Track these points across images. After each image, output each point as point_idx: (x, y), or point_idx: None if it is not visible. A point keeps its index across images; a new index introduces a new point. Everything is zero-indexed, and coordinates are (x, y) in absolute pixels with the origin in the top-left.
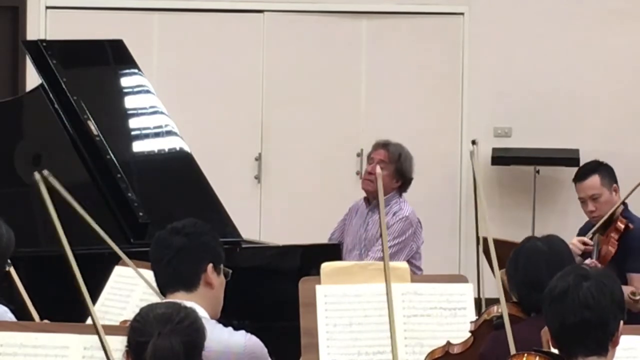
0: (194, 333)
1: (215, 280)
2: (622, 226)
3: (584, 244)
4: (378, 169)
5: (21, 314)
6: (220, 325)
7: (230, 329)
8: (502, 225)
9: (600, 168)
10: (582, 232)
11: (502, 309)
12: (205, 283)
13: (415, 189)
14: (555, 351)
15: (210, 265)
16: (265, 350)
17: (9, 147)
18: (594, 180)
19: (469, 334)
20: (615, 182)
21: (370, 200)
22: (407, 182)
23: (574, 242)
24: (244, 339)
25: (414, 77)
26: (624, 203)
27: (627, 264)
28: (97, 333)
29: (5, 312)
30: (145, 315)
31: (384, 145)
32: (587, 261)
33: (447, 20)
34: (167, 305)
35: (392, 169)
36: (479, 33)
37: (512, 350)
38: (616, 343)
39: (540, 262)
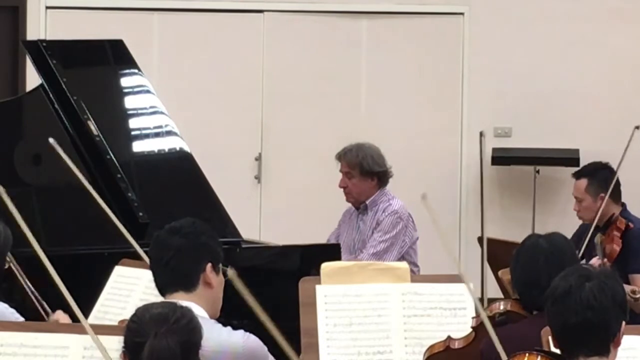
0: (190, 332)
1: (215, 279)
2: (623, 225)
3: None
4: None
5: (19, 313)
6: (219, 325)
7: (229, 328)
8: (502, 225)
9: (595, 173)
10: (578, 234)
11: (482, 315)
12: (205, 283)
13: (416, 188)
14: (557, 351)
15: (209, 265)
16: (265, 349)
17: (9, 147)
18: (581, 183)
19: (471, 330)
20: (605, 191)
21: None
22: (381, 175)
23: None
24: (242, 339)
25: (414, 77)
26: (622, 204)
27: (629, 266)
28: (88, 332)
29: (5, 309)
30: (141, 316)
31: (343, 155)
32: (594, 260)
33: (447, 20)
34: (162, 305)
35: (357, 173)
36: (479, 33)
37: (501, 351)
38: (618, 343)
39: (539, 260)
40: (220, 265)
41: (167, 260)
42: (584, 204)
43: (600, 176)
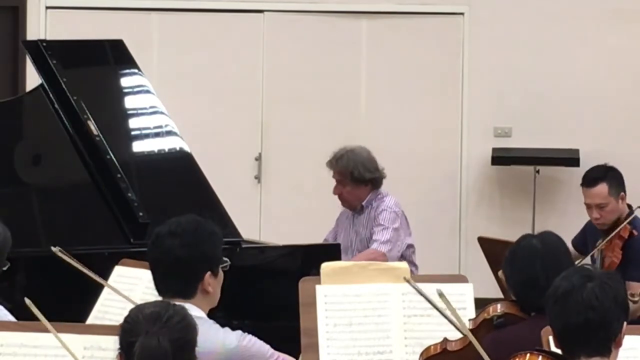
0: (183, 330)
1: (213, 284)
2: (627, 233)
3: None
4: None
5: (19, 313)
6: (217, 325)
7: (226, 328)
8: (502, 225)
9: (609, 175)
10: (586, 232)
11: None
12: (202, 290)
13: (416, 189)
14: (558, 351)
15: (207, 274)
16: (264, 349)
17: (9, 147)
18: (602, 188)
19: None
20: (623, 189)
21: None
22: (374, 180)
23: None
24: (237, 339)
25: (414, 77)
26: (629, 206)
27: (627, 272)
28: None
29: (5, 316)
30: (135, 316)
31: (335, 163)
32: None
33: (447, 20)
34: (155, 304)
35: (349, 181)
36: (479, 33)
37: (485, 357)
38: (619, 344)
39: (534, 260)
40: (220, 265)
41: (166, 269)
42: (609, 208)
43: (614, 176)
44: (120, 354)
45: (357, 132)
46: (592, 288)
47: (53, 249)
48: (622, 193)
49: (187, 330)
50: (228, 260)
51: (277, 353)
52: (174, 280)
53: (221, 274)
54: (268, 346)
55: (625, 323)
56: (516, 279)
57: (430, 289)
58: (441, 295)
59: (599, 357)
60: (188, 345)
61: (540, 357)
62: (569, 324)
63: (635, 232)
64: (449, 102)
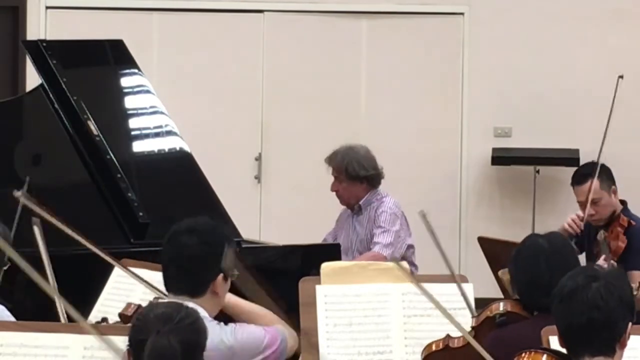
0: (194, 332)
1: (222, 287)
2: (625, 222)
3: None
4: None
5: (19, 313)
6: (214, 322)
7: (221, 324)
8: (502, 225)
9: (595, 171)
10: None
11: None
12: (212, 292)
13: (416, 189)
14: (563, 350)
15: (220, 276)
16: (256, 334)
17: (9, 147)
18: (594, 184)
19: (471, 329)
20: (614, 183)
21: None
22: (370, 178)
23: (569, 221)
24: (232, 333)
25: (414, 77)
26: (623, 202)
27: (629, 263)
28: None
29: (5, 316)
30: (146, 314)
31: (330, 160)
32: (601, 261)
33: (447, 20)
34: (167, 304)
35: (345, 177)
36: (479, 33)
37: (485, 355)
38: (624, 344)
39: (540, 260)
40: (230, 273)
41: (180, 264)
42: (603, 202)
43: (603, 170)
44: (128, 351)
45: (357, 132)
46: (598, 288)
47: (15, 193)
48: (614, 187)
49: (198, 333)
50: (237, 272)
51: (268, 333)
52: (188, 277)
53: (229, 282)
54: (259, 329)
55: (630, 324)
56: (520, 278)
57: (431, 289)
58: (424, 216)
59: (603, 356)
60: (198, 348)
61: (545, 355)
62: (574, 324)
63: (633, 222)
64: (449, 102)
